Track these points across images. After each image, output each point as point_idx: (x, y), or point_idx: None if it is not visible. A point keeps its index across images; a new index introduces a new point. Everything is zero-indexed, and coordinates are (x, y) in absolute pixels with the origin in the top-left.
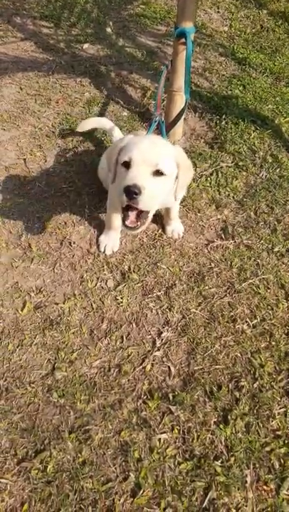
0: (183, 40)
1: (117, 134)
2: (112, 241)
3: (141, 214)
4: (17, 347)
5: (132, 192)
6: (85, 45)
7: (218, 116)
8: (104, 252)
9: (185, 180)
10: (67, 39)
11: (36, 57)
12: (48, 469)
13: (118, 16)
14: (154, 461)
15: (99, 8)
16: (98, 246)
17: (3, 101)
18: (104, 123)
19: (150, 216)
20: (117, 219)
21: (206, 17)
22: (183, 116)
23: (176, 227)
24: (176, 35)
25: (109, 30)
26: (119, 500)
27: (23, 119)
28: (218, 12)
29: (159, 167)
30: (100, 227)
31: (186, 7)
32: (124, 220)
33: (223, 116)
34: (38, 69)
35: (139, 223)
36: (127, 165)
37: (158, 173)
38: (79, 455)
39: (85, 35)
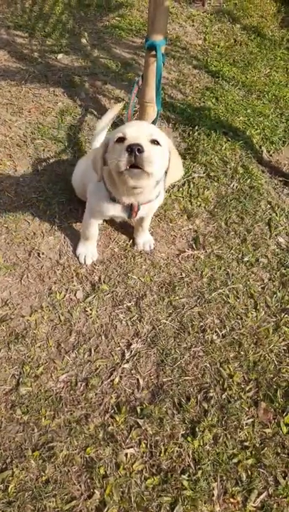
0: (154, 52)
1: (97, 142)
2: (90, 251)
3: None
4: None
5: (134, 149)
6: (60, 56)
7: (190, 128)
8: (85, 263)
9: (176, 166)
10: (41, 49)
11: (9, 66)
12: (9, 489)
13: (93, 28)
14: (120, 477)
15: (74, 19)
16: (78, 259)
17: None
18: (103, 124)
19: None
20: (94, 227)
21: (181, 30)
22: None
23: (147, 239)
24: (147, 48)
25: (84, 41)
26: None
27: None
28: (193, 25)
29: (155, 137)
30: (71, 236)
31: (156, 20)
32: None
33: (196, 128)
34: (11, 78)
35: (142, 171)
36: (121, 140)
37: (154, 142)
38: (42, 473)
39: (60, 46)
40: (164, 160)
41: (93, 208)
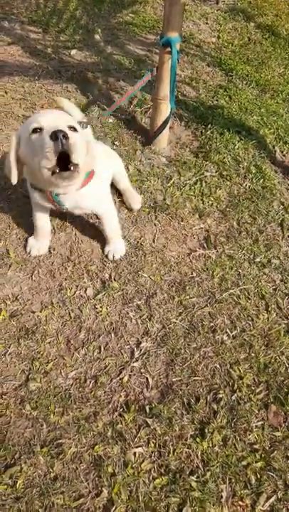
0: (168, 49)
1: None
2: (39, 243)
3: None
4: None
5: (60, 135)
6: (73, 52)
7: (203, 126)
8: (29, 253)
9: (92, 155)
10: (55, 45)
11: (23, 61)
12: (17, 485)
13: (107, 24)
14: (128, 476)
15: (88, 15)
16: (25, 246)
17: None
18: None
19: (81, 174)
20: (39, 219)
21: (195, 28)
22: (168, 125)
23: (113, 247)
24: (162, 44)
25: (97, 37)
26: None
27: (7, 123)
28: (207, 23)
29: (71, 123)
30: (82, 233)
31: (171, 17)
32: (55, 172)
33: (209, 126)
34: (24, 73)
35: (72, 171)
36: (37, 130)
37: (72, 128)
38: (50, 470)
39: (73, 42)
40: (83, 146)
41: (30, 195)
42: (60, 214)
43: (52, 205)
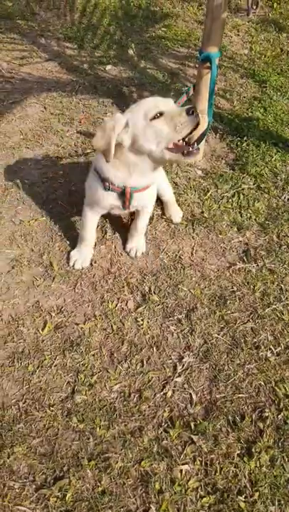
0: (207, 64)
1: None
2: (83, 256)
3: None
4: (37, 368)
5: (194, 111)
6: (108, 67)
7: (239, 138)
8: (73, 266)
9: None
10: (90, 60)
11: (60, 77)
12: (66, 497)
13: (140, 39)
14: (175, 493)
15: (121, 30)
16: (68, 260)
17: (28, 120)
18: None
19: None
20: (90, 225)
21: (227, 40)
22: (204, 138)
23: (137, 244)
24: (201, 60)
25: (131, 52)
26: None
27: (47, 138)
28: (238, 35)
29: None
30: (122, 246)
31: (212, 33)
32: (184, 151)
33: (244, 138)
34: (62, 89)
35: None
36: (159, 115)
37: None
38: (98, 484)
39: (108, 57)
40: None
41: (90, 198)
42: (111, 220)
43: (120, 204)
